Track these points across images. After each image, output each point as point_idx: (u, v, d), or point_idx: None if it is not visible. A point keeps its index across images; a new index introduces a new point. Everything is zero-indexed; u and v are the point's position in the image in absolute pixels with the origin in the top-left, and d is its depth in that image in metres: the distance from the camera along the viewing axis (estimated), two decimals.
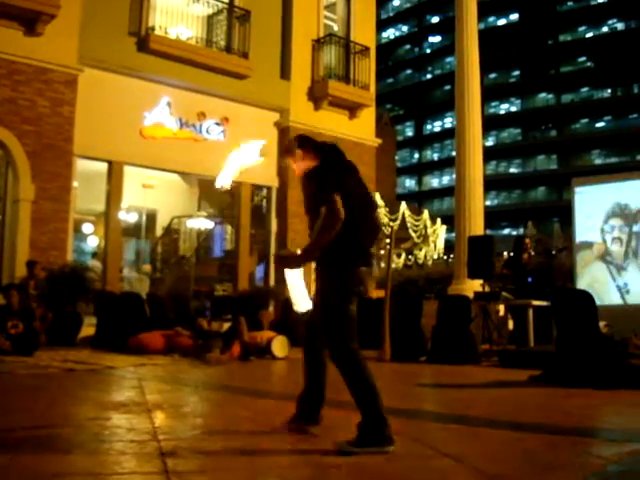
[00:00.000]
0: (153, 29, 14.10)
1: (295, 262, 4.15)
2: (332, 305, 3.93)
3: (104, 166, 13.94)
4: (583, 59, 63.86)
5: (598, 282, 11.76)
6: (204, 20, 15.53)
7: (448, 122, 66.74)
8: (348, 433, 3.74)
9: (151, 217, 18.30)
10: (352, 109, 17.36)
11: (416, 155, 76.37)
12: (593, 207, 12.10)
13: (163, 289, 15.47)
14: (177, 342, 10.15)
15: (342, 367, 3.88)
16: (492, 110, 66.13)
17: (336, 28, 17.98)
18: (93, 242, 17.42)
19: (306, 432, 4.09)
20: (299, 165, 4.27)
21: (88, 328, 11.51)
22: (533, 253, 12.85)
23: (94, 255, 16.09)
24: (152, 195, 17.04)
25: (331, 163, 4.09)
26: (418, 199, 64.94)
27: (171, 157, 14.48)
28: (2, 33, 12.25)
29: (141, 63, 13.95)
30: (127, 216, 16.72)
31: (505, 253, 27.67)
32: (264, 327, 11.12)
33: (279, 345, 10.05)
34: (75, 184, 13.34)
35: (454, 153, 15.68)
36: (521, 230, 52.26)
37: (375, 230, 4.24)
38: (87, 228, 17.40)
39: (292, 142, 4.37)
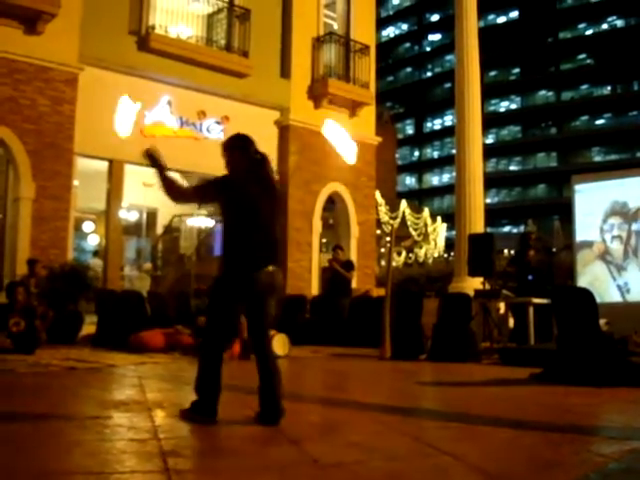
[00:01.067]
0: (153, 28, 14.10)
1: (155, 165, 4.76)
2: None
3: (105, 165, 13.96)
4: (583, 56, 63.81)
5: (598, 280, 11.77)
6: (204, 19, 15.53)
7: (448, 120, 66.70)
8: (352, 434, 3.75)
9: (152, 215, 18.34)
10: (352, 107, 17.37)
11: (416, 153, 76.35)
12: (593, 205, 12.11)
13: (164, 287, 15.50)
14: (178, 340, 10.15)
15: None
16: (492, 108, 66.09)
17: (336, 27, 17.98)
18: (94, 240, 17.45)
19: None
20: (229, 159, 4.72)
21: (89, 326, 11.52)
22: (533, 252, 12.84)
23: (95, 254, 16.11)
24: (153, 193, 17.03)
25: (235, 172, 4.56)
26: (418, 197, 64.95)
27: (171, 156, 14.25)
28: (3, 32, 12.26)
29: (141, 62, 13.95)
30: (128, 214, 16.75)
31: (506, 250, 27.72)
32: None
33: (279, 343, 10.03)
34: (76, 183, 13.36)
35: (454, 151, 15.68)
36: (522, 228, 52.26)
37: (268, 245, 4.53)
38: (88, 226, 17.44)
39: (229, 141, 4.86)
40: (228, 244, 4.45)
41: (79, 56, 13.11)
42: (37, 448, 3.60)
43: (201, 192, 4.73)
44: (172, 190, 4.67)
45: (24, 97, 12.56)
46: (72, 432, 4.10)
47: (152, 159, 4.64)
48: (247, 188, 4.40)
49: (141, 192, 16.57)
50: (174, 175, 4.72)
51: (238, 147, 4.65)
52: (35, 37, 12.64)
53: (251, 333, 4.53)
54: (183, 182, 4.73)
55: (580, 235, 12.24)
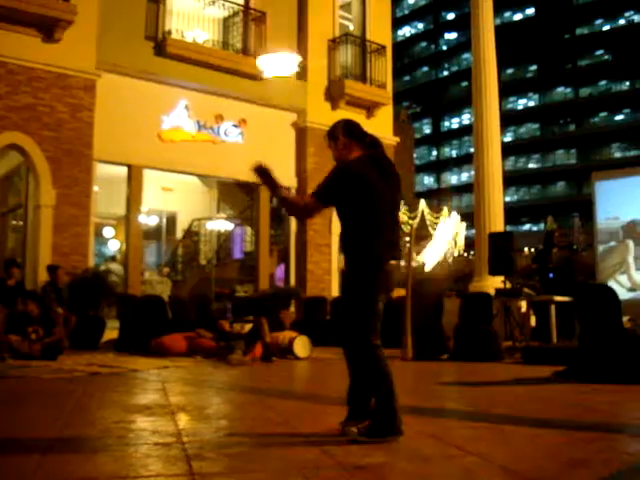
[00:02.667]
0: (170, 33, 14.17)
1: (267, 183, 4.17)
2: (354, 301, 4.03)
3: (124, 170, 14.04)
4: (600, 52, 63.32)
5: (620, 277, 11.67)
6: (220, 23, 15.59)
7: (466, 119, 66.48)
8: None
9: (171, 220, 18.44)
10: (369, 108, 17.34)
11: (434, 152, 76.12)
12: (614, 201, 12.01)
13: (185, 291, 15.56)
14: (199, 344, 10.18)
15: (360, 360, 4.02)
16: (510, 106, 65.73)
17: (352, 27, 17.97)
18: (114, 246, 17.56)
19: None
20: (337, 152, 4.28)
21: (111, 332, 11.58)
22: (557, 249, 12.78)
23: (112, 259, 16.22)
24: (172, 198, 17.16)
25: (356, 166, 4.10)
26: (437, 196, 64.75)
27: (190, 160, 14.55)
28: (21, 40, 12.37)
29: (158, 67, 14.02)
30: (147, 219, 16.84)
31: (526, 249, 27.55)
32: (286, 327, 11.13)
33: (301, 345, 10.05)
34: (95, 188, 13.45)
35: (472, 149, 15.62)
36: (541, 226, 51.93)
37: (396, 237, 4.24)
38: (108, 232, 17.56)
39: (338, 127, 4.32)
40: (360, 237, 4.03)
41: (97, 63, 13.19)
42: (62, 453, 3.62)
43: (325, 198, 4.08)
44: (295, 209, 4.26)
45: (43, 104, 12.66)
46: (96, 437, 4.11)
47: (264, 175, 4.12)
48: (370, 177, 4.05)
49: (160, 197, 16.67)
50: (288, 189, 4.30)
51: (347, 134, 4.25)
52: (53, 45, 12.74)
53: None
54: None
55: (602, 231, 12.14)
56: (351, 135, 4.25)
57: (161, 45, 14.05)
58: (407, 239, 19.61)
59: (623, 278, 11.64)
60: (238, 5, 15.64)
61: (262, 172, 4.11)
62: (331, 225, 16.09)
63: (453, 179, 73.69)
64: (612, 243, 11.87)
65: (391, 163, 4.28)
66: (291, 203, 4.19)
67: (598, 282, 11.40)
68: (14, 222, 14.93)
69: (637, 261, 11.56)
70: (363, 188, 4.01)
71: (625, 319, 8.24)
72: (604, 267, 11.82)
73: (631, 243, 11.60)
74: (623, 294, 10.70)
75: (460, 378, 8.29)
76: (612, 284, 10.43)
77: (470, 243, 24.78)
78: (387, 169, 4.20)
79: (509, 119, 57.65)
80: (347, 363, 4.15)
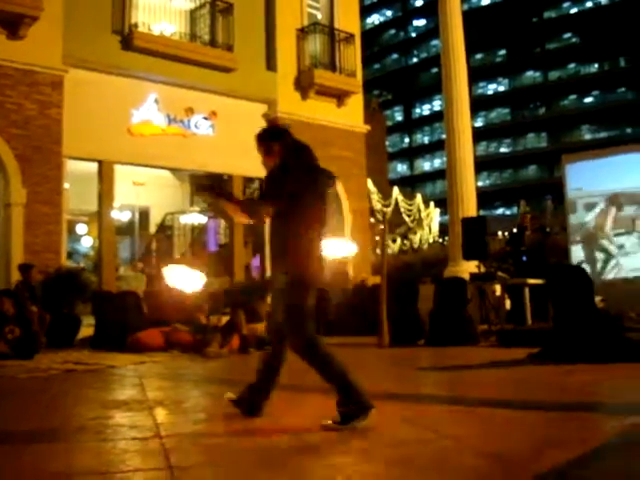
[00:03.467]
0: (136, 26, 14.05)
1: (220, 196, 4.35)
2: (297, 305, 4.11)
3: (94, 166, 13.92)
4: (568, 35, 63.86)
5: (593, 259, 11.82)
6: (187, 15, 15.48)
7: (437, 105, 66.75)
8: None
9: (144, 214, 18.32)
10: (340, 97, 17.35)
11: (407, 139, 76.40)
12: (584, 183, 12.13)
13: (159, 286, 15.48)
14: (176, 338, 10.16)
15: (309, 356, 4.09)
16: (480, 91, 66.07)
17: (320, 16, 17.94)
18: (87, 242, 17.44)
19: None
20: (265, 158, 4.36)
21: (87, 329, 11.52)
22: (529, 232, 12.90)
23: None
24: (144, 192, 17.05)
25: (292, 167, 4.22)
26: (411, 183, 64.96)
27: (161, 154, 14.46)
28: None
29: (126, 61, 13.90)
30: (120, 215, 16.72)
31: (500, 233, 27.78)
32: (262, 319, 11.13)
33: None
34: (66, 185, 13.33)
35: (444, 136, 15.70)
36: (515, 210, 52.35)
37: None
38: (81, 229, 17.41)
39: (263, 133, 4.44)
40: (302, 240, 4.10)
41: (63, 58, 13.04)
42: (40, 450, 3.61)
43: (279, 200, 4.12)
44: (255, 213, 4.34)
45: (10, 102, 12.51)
46: (74, 433, 4.11)
47: (212, 192, 4.31)
48: (310, 179, 4.22)
49: (132, 191, 16.55)
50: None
51: (278, 138, 4.35)
52: (18, 41, 12.58)
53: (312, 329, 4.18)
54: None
55: (573, 214, 12.27)
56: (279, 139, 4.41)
57: (128, 39, 13.92)
58: (381, 227, 19.70)
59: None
60: None
61: (210, 188, 4.39)
62: None
63: (426, 165, 74.01)
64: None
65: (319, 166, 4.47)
66: (251, 208, 4.36)
67: (573, 263, 11.55)
68: None
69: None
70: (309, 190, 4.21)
71: (597, 299, 8.35)
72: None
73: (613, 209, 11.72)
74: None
75: (436, 363, 8.35)
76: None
77: (445, 229, 24.96)
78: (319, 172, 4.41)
79: (479, 104, 57.95)
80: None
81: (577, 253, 12.07)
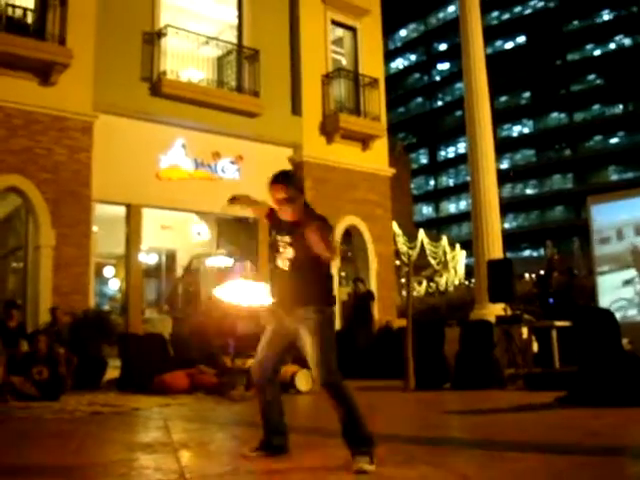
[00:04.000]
0: (165, 73, 14.34)
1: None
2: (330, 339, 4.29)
3: (122, 210, 14.12)
4: (593, 77, 64.02)
5: (621, 300, 11.66)
6: (214, 62, 15.78)
7: (462, 147, 66.94)
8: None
9: (171, 257, 18.45)
10: (364, 141, 17.49)
11: (432, 182, 76.56)
12: (611, 224, 12.05)
13: (185, 328, 15.53)
14: (201, 381, 10.16)
15: (338, 390, 4.20)
16: (505, 133, 66.28)
17: (344, 62, 18.19)
18: (114, 285, 17.59)
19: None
20: (292, 205, 4.41)
21: (113, 371, 11.55)
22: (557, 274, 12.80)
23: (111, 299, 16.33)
24: (171, 236, 17.21)
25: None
26: (436, 226, 64.92)
27: (188, 197, 14.63)
28: (18, 84, 12.52)
29: (154, 107, 14.17)
30: (147, 257, 16.87)
31: (527, 275, 27.61)
32: (287, 362, 11.11)
33: (303, 379, 10.03)
34: (95, 229, 13.51)
35: (469, 178, 15.73)
36: (541, 251, 52.02)
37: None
38: (108, 271, 17.59)
39: (289, 177, 4.54)
40: (325, 278, 4.45)
41: (93, 104, 13.33)
42: None
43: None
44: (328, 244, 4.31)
45: (40, 147, 12.77)
46: (100, 475, 4.13)
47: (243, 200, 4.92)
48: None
49: (159, 235, 16.72)
50: None
51: (299, 186, 4.49)
52: (49, 88, 12.89)
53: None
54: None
55: (600, 256, 12.16)
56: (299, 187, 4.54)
57: (156, 85, 14.22)
58: (406, 269, 19.67)
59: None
60: (232, 44, 15.86)
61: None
62: None
63: (451, 208, 73.98)
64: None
65: None
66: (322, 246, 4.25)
67: (600, 305, 11.41)
68: (14, 264, 14.97)
69: None
70: None
71: (625, 341, 8.24)
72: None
73: None
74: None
75: (462, 406, 8.27)
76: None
77: (471, 271, 24.83)
78: None
79: (505, 146, 58.15)
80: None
81: (605, 284, 11.85)
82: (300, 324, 4.29)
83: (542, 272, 13.30)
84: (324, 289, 4.40)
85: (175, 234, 17.19)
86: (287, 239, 4.41)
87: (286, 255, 4.39)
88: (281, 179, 4.44)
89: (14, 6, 12.77)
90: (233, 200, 4.84)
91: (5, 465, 4.51)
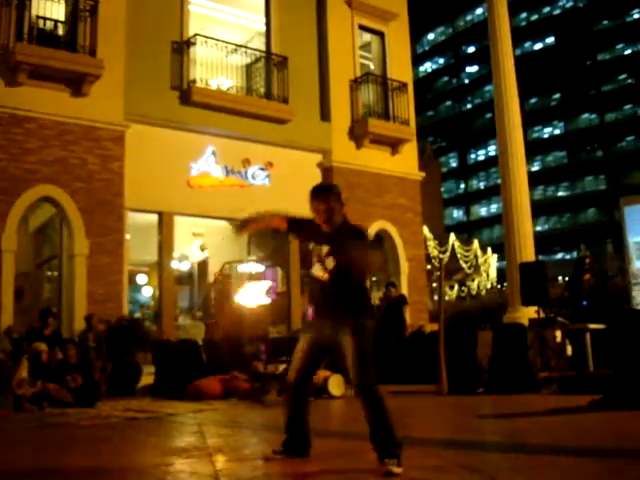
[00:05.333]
0: (194, 82, 14.47)
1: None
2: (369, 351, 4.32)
3: (155, 217, 14.25)
4: (623, 76, 63.22)
5: None
6: (243, 69, 15.88)
7: (492, 150, 66.46)
8: (411, 470, 3.75)
9: (203, 264, 18.57)
10: (394, 145, 17.47)
11: (462, 185, 76.12)
12: None
13: (218, 335, 15.62)
14: (234, 386, 10.23)
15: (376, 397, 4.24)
16: (535, 135, 65.72)
17: (372, 67, 18.21)
18: (148, 292, 17.76)
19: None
20: (334, 216, 4.49)
21: (147, 377, 11.67)
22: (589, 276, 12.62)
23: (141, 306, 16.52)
24: (203, 243, 17.33)
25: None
26: (467, 229, 64.54)
27: (219, 204, 14.72)
28: (50, 96, 12.72)
29: (185, 115, 14.30)
30: (179, 265, 17.00)
31: (560, 278, 27.34)
32: (319, 367, 11.11)
33: (335, 384, 10.04)
34: (127, 237, 13.66)
35: (500, 181, 15.65)
36: (574, 254, 51.48)
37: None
38: (141, 279, 17.76)
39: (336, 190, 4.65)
40: (365, 289, 4.59)
41: (124, 114, 13.49)
42: None
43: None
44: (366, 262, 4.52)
45: (74, 157, 12.95)
46: None
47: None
48: None
49: (192, 242, 16.85)
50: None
51: (340, 198, 4.58)
52: (81, 99, 13.07)
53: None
54: None
55: (634, 257, 12.00)
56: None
57: (186, 94, 14.35)
58: (438, 274, 19.59)
59: None
60: (260, 51, 15.96)
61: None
62: None
63: (482, 211, 73.49)
64: None
65: None
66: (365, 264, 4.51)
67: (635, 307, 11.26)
68: (49, 273, 15.19)
69: None
70: None
71: None
72: None
73: None
74: None
75: (496, 410, 8.22)
76: None
77: (503, 274, 24.65)
78: None
79: (535, 148, 57.65)
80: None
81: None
82: (340, 334, 4.33)
83: (567, 277, 13.07)
84: (364, 300, 4.48)
85: (207, 241, 17.30)
86: (327, 249, 4.45)
87: (327, 265, 4.42)
88: (324, 190, 4.62)
89: (45, 18, 12.99)
90: (242, 228, 5.11)
91: (42, 469, 4.59)
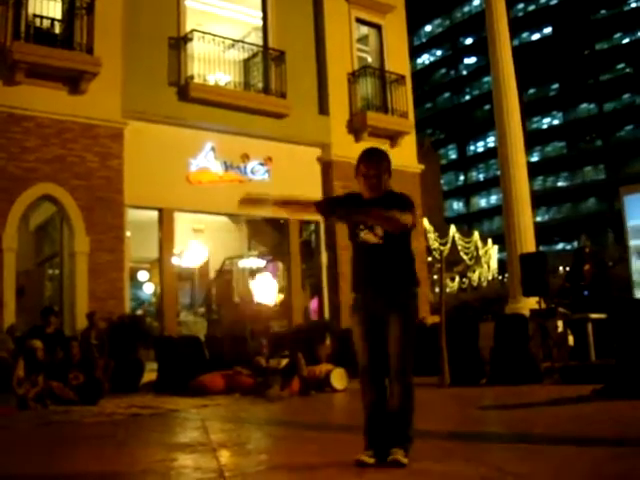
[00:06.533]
0: (192, 77, 14.45)
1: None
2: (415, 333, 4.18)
3: (155, 214, 14.25)
4: (621, 66, 63.12)
5: None
6: (241, 64, 15.85)
7: (491, 141, 66.41)
8: (414, 462, 3.77)
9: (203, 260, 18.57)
10: (392, 138, 17.45)
11: (461, 177, 76.10)
12: None
13: (220, 330, 15.65)
14: (237, 381, 10.23)
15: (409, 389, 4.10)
16: (534, 125, 65.67)
17: (370, 60, 18.18)
18: (149, 289, 17.77)
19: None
20: (382, 181, 4.33)
21: (150, 374, 11.68)
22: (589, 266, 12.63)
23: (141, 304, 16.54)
24: (203, 238, 17.33)
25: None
26: (467, 221, 64.53)
27: (218, 200, 14.71)
28: (48, 94, 12.69)
29: (183, 111, 14.28)
30: (180, 261, 17.01)
31: (561, 268, 27.34)
32: (322, 360, 11.15)
33: (338, 377, 10.06)
34: (128, 234, 13.66)
35: (499, 172, 15.64)
36: (575, 244, 51.46)
37: None
38: (142, 276, 17.77)
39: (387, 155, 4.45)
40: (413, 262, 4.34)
41: (122, 111, 13.47)
42: None
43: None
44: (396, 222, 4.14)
45: (73, 155, 12.94)
46: (140, 475, 4.19)
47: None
48: None
49: (192, 238, 16.86)
50: None
51: (389, 165, 4.42)
52: (79, 96, 13.05)
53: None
54: None
55: (635, 246, 12.00)
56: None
57: (184, 90, 14.32)
58: (439, 266, 19.61)
59: None
60: (257, 46, 15.94)
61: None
62: None
63: (482, 202, 73.48)
64: None
65: None
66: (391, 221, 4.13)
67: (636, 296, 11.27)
68: (50, 271, 15.20)
69: None
70: None
71: None
72: None
73: None
74: None
75: (498, 401, 8.23)
76: None
77: (504, 266, 24.67)
78: None
79: (534, 139, 57.60)
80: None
81: None
82: (393, 308, 4.12)
83: (567, 268, 13.07)
84: (414, 268, 4.29)
85: (207, 237, 17.31)
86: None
87: (376, 231, 4.18)
88: (378, 154, 4.41)
89: (42, 17, 12.96)
90: (285, 204, 4.78)
91: (47, 466, 4.60)
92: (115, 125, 13.42)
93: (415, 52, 60.51)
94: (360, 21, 17.98)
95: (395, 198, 4.24)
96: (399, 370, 4.07)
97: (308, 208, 4.48)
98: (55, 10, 13.13)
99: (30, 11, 12.76)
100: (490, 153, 64.74)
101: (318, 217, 4.57)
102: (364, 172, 4.30)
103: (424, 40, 79.13)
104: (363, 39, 18.35)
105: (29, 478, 4.34)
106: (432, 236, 33.17)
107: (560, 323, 11.74)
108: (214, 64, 15.07)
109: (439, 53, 79.56)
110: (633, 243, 11.88)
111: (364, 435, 4.12)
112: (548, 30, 68.11)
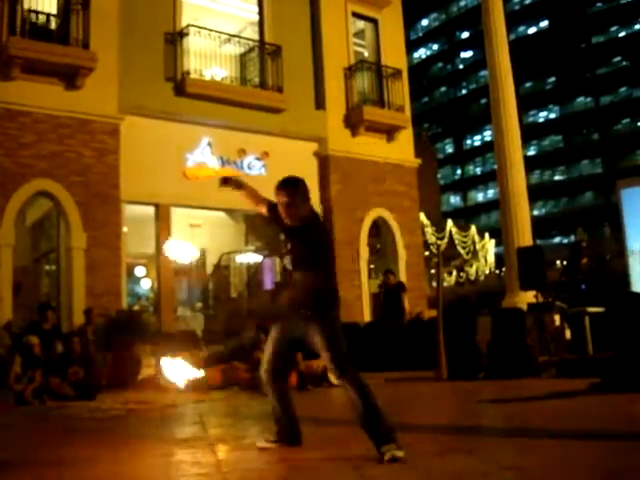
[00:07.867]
0: (188, 73, 14.42)
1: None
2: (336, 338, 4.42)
3: (151, 209, 14.24)
4: (618, 59, 63.02)
5: None
6: (237, 59, 15.82)
7: (488, 135, 66.28)
8: (410, 456, 3.77)
9: (201, 255, 18.57)
10: (389, 132, 17.44)
11: (458, 171, 76.00)
12: None
13: (218, 325, 15.65)
14: (235, 376, 10.24)
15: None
16: (531, 119, 65.58)
17: (366, 54, 18.15)
18: (146, 284, 17.76)
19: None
20: (293, 211, 4.45)
21: (147, 369, 11.67)
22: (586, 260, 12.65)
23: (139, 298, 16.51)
24: (200, 234, 17.32)
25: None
26: (464, 215, 64.51)
27: (215, 195, 14.62)
28: (44, 90, 12.67)
29: (179, 107, 14.26)
30: (177, 256, 16.98)
31: (558, 262, 27.37)
32: (319, 355, 11.12)
33: None
34: (125, 229, 13.65)
35: (496, 166, 15.65)
36: (572, 238, 51.50)
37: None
38: (139, 271, 17.76)
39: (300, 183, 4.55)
40: (325, 280, 4.47)
41: (119, 107, 13.45)
42: None
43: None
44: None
45: (69, 151, 12.92)
46: (137, 470, 4.19)
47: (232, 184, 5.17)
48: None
49: (189, 233, 16.83)
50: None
51: (304, 193, 4.52)
52: (75, 92, 13.02)
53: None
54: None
55: (632, 239, 12.01)
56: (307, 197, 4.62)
57: (181, 85, 14.30)
58: (436, 260, 19.61)
59: None
60: (253, 41, 15.91)
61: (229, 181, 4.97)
62: (359, 252, 16.23)
63: (479, 196, 73.46)
64: None
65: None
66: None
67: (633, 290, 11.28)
68: (47, 267, 15.18)
69: None
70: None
71: None
72: None
73: None
74: None
75: (496, 395, 8.22)
76: None
77: (501, 260, 24.69)
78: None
79: (531, 132, 57.59)
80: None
81: (637, 268, 11.64)
82: (306, 325, 4.40)
83: (564, 262, 13.09)
84: (324, 291, 4.41)
85: (204, 232, 17.30)
86: (289, 244, 4.49)
87: (289, 258, 4.47)
88: (285, 184, 4.50)
89: (37, 12, 12.93)
90: (225, 182, 5.06)
91: (45, 461, 4.60)
92: (111, 120, 13.40)
93: (411, 46, 60.31)
94: (356, 15, 17.94)
95: (310, 233, 4.43)
96: (334, 373, 4.52)
97: (260, 204, 4.96)
98: (51, 5, 13.11)
99: (26, 6, 12.73)
100: (487, 147, 64.62)
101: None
102: (278, 200, 4.52)
103: (420, 34, 78.92)
104: (359, 33, 18.33)
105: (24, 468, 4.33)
106: (429, 230, 33.19)
107: (557, 317, 11.77)
108: (210, 59, 15.05)
109: (435, 47, 79.37)
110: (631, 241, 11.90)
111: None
112: (544, 24, 67.95)
